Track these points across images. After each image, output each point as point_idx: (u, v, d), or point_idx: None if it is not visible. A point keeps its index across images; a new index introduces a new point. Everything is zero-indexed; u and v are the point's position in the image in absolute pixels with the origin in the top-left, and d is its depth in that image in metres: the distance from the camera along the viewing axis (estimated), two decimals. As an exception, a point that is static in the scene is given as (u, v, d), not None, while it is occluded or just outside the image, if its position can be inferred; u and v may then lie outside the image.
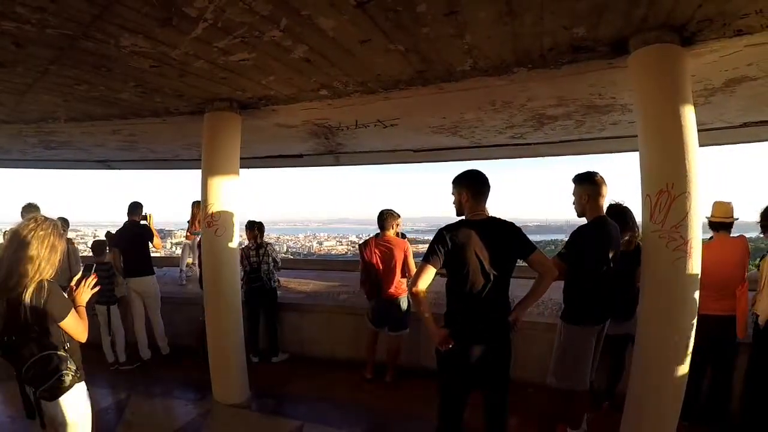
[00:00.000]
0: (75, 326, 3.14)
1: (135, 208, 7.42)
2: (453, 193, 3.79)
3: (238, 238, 5.96)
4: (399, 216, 6.44)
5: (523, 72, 4.48)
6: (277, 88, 5.10)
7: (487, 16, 3.45)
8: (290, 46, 3.93)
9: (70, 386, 3.14)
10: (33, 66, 4.37)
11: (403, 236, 6.72)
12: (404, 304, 6.21)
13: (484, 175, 3.69)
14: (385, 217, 6.26)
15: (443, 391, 3.75)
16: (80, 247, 11.12)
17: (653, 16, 3.54)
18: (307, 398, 6.01)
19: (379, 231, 6.37)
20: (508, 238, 3.56)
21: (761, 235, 4.95)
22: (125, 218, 7.41)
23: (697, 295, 3.83)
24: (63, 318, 3.05)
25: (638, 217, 4.28)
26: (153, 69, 4.43)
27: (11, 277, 2.95)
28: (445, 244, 3.48)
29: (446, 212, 3.92)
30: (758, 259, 5.15)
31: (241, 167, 5.96)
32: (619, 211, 4.90)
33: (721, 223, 5.03)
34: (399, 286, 6.15)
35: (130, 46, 3.86)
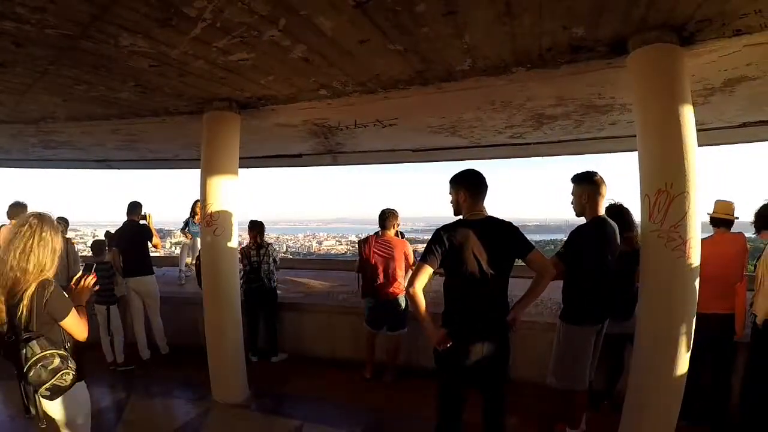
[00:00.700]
0: (75, 326, 3.14)
1: (134, 207, 7.41)
2: (450, 193, 3.79)
3: (237, 238, 5.95)
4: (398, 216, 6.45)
5: (522, 72, 4.49)
6: (276, 88, 5.11)
7: (486, 17, 3.46)
8: (289, 46, 3.94)
9: (71, 386, 3.14)
10: (32, 66, 4.38)
11: (402, 235, 6.72)
12: (402, 304, 6.21)
13: (481, 175, 3.69)
14: (387, 216, 6.27)
15: (442, 390, 3.75)
16: (79, 246, 11.12)
17: (652, 16, 3.55)
18: (306, 398, 6.01)
19: (379, 230, 6.37)
20: (506, 238, 3.56)
21: (756, 235, 4.97)
22: (125, 218, 7.40)
23: (696, 294, 3.84)
24: (63, 318, 3.05)
25: (637, 217, 4.29)
26: (152, 69, 4.43)
27: (12, 277, 2.96)
28: (443, 244, 3.48)
29: (445, 212, 3.92)
30: (756, 259, 5.16)
31: (240, 167, 5.96)
32: (617, 211, 4.91)
33: (721, 219, 5.06)
34: (398, 286, 6.15)
35: (130, 46, 3.86)
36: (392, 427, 5.38)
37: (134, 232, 7.30)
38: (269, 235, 7.50)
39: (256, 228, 7.41)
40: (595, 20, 3.57)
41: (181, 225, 9.64)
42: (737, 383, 4.97)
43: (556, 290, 4.60)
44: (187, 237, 9.51)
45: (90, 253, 7.45)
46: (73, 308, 3.15)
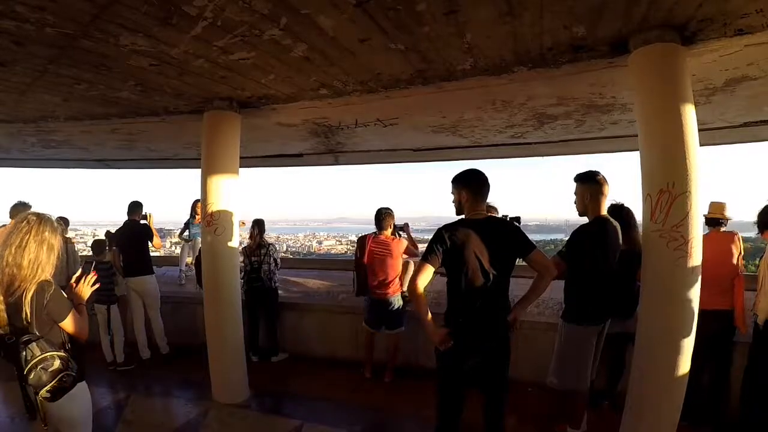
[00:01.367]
0: (75, 325, 3.14)
1: (135, 207, 7.43)
2: (452, 193, 3.79)
3: (238, 238, 5.96)
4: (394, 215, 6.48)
5: (523, 71, 4.48)
6: (277, 87, 5.10)
7: (487, 16, 3.45)
8: (290, 44, 3.93)
9: (71, 387, 3.14)
10: (32, 65, 4.37)
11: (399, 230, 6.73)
12: (397, 303, 6.24)
13: (483, 175, 3.69)
14: (383, 216, 6.29)
15: (442, 390, 3.75)
16: (80, 246, 11.11)
17: (653, 16, 3.54)
18: (306, 398, 6.01)
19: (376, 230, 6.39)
20: (507, 238, 3.56)
21: (759, 235, 4.98)
22: (125, 218, 7.41)
23: (697, 294, 3.83)
24: (63, 318, 3.05)
25: (639, 217, 4.29)
26: (152, 68, 4.43)
27: (11, 278, 2.95)
28: (444, 244, 3.48)
29: (446, 212, 3.91)
30: (758, 259, 5.18)
31: (240, 166, 5.96)
32: (619, 210, 4.92)
33: (715, 219, 5.17)
34: (393, 286, 6.19)
35: (130, 44, 3.86)
36: (392, 427, 5.40)
37: (135, 232, 7.32)
38: (269, 235, 7.50)
39: (255, 227, 7.47)
40: (596, 19, 3.57)
41: (182, 227, 9.63)
42: (737, 383, 4.97)
43: (557, 290, 4.60)
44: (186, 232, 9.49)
45: (90, 253, 7.45)
46: (73, 308, 3.15)
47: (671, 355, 3.85)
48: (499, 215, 5.45)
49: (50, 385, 3.03)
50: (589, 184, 4.39)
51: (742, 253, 5.14)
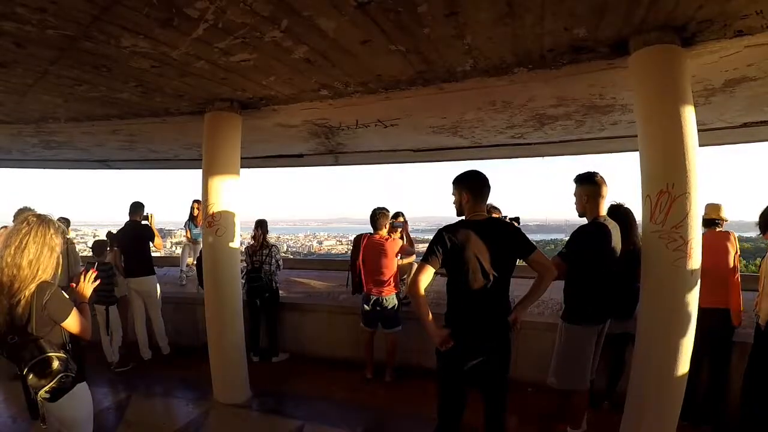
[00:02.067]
0: (77, 325, 3.14)
1: (136, 208, 7.45)
2: (453, 194, 3.80)
3: (239, 238, 5.97)
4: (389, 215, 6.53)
5: (524, 72, 4.49)
6: (278, 89, 5.11)
7: (488, 17, 3.46)
8: (291, 46, 3.95)
9: (72, 387, 3.15)
10: (33, 66, 4.38)
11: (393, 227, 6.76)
12: (392, 303, 6.26)
13: (484, 176, 3.69)
14: (378, 216, 6.32)
15: (443, 390, 3.75)
16: (80, 246, 11.13)
17: (653, 17, 3.55)
18: (307, 398, 6.02)
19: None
20: (507, 239, 3.57)
21: (761, 235, 5.01)
22: (126, 218, 7.44)
23: (697, 295, 3.84)
24: (64, 318, 3.06)
25: (638, 217, 4.29)
26: (153, 69, 4.44)
27: (11, 279, 2.95)
28: (445, 245, 3.49)
29: (447, 212, 3.92)
30: (759, 259, 5.20)
31: (241, 167, 5.98)
32: (619, 211, 4.94)
33: (711, 220, 5.30)
34: (388, 285, 6.22)
35: (131, 46, 3.87)
36: (393, 427, 5.40)
37: (136, 232, 7.35)
38: (269, 235, 7.54)
39: (258, 227, 7.51)
40: (597, 21, 3.57)
41: (183, 228, 9.67)
42: (737, 383, 4.98)
43: (557, 290, 4.61)
44: (188, 234, 9.51)
45: (91, 254, 7.46)
46: (75, 308, 3.15)
47: (671, 355, 3.86)
48: (502, 216, 5.47)
49: (49, 385, 3.04)
50: (588, 185, 4.40)
51: (738, 251, 5.18)
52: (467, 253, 3.46)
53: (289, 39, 3.80)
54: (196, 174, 5.94)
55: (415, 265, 6.11)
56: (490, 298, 3.53)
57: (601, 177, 4.38)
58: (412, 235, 6.86)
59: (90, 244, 8.00)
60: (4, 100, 5.53)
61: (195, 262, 8.86)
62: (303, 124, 6.69)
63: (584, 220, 4.44)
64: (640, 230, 4.54)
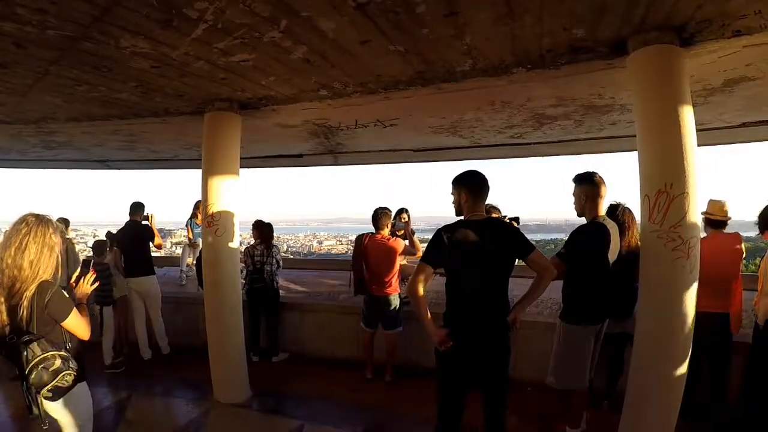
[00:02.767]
0: (77, 325, 3.16)
1: (137, 208, 7.48)
2: (452, 194, 3.81)
3: (239, 238, 5.98)
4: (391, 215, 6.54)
5: (523, 72, 4.50)
6: (277, 89, 5.13)
7: (487, 18, 3.47)
8: (290, 47, 3.96)
9: (72, 386, 3.16)
10: (34, 67, 4.39)
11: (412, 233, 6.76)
12: (395, 303, 6.26)
13: (483, 176, 3.70)
14: (380, 216, 6.31)
15: (442, 390, 3.76)
16: (80, 247, 11.15)
17: (652, 17, 3.56)
18: (307, 398, 6.04)
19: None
20: (506, 239, 3.57)
21: (760, 235, 4.99)
22: (126, 218, 7.47)
23: (695, 295, 3.85)
24: (65, 318, 3.07)
25: (638, 217, 4.31)
26: (153, 69, 4.45)
27: (11, 280, 2.97)
28: (443, 245, 3.50)
29: (447, 212, 3.93)
30: (758, 259, 5.19)
31: (241, 167, 5.99)
32: (617, 211, 4.95)
33: (716, 220, 5.09)
34: (390, 285, 6.22)
35: (131, 47, 3.88)
36: (392, 427, 5.40)
37: (136, 232, 7.37)
38: (270, 235, 7.59)
39: (262, 228, 7.58)
40: (596, 21, 3.59)
41: (184, 228, 9.67)
42: (736, 383, 5.00)
43: (556, 290, 4.62)
44: (189, 233, 9.51)
45: (91, 253, 7.48)
46: (74, 308, 3.17)
47: (669, 355, 3.88)
48: (501, 216, 5.48)
49: (51, 384, 3.05)
50: (587, 185, 4.41)
51: (744, 254, 5.10)
52: (466, 253, 3.48)
53: (288, 39, 3.81)
54: (197, 174, 5.95)
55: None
56: (488, 298, 3.54)
57: (600, 177, 4.39)
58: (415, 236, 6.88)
59: (90, 244, 8.02)
60: (4, 100, 5.54)
61: (195, 262, 8.88)
62: (302, 124, 6.71)
63: (583, 220, 4.46)
64: (638, 230, 4.55)
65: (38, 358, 3.00)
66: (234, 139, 5.84)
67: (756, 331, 4.76)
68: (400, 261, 6.41)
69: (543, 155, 8.61)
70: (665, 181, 3.73)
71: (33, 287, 2.96)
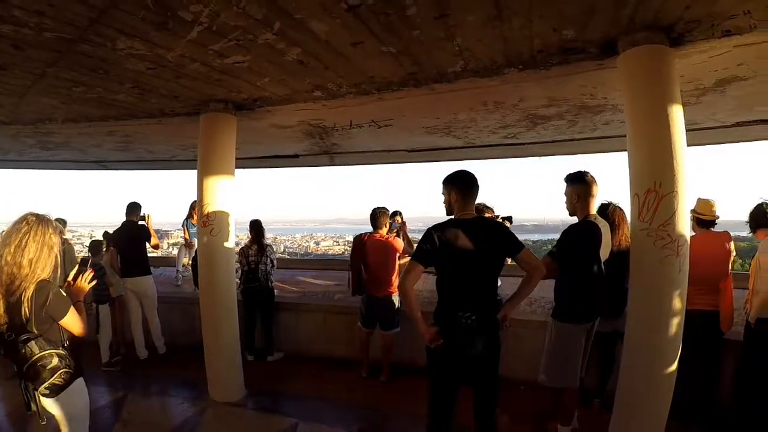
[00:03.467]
0: (74, 323, 3.21)
1: (133, 208, 7.51)
2: (443, 193, 3.86)
3: (234, 238, 6.02)
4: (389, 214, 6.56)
5: (514, 73, 4.56)
6: (272, 90, 5.18)
7: (477, 20, 3.53)
8: (284, 48, 4.02)
9: (69, 384, 3.22)
10: (31, 68, 4.45)
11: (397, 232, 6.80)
12: (392, 303, 6.31)
13: (473, 176, 3.76)
14: (378, 216, 6.34)
15: (433, 387, 3.81)
16: (77, 247, 11.18)
17: (641, 17, 3.61)
18: (302, 397, 6.09)
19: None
20: (496, 237, 3.63)
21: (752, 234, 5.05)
22: (123, 218, 7.49)
23: (685, 293, 3.90)
24: (63, 316, 3.12)
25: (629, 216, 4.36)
26: (149, 71, 4.51)
27: (11, 278, 3.02)
28: (434, 243, 3.56)
29: (443, 211, 3.98)
30: (750, 258, 5.24)
31: (236, 167, 6.04)
32: (607, 210, 5.02)
33: (705, 219, 5.19)
34: (390, 285, 6.25)
35: (127, 48, 3.94)
36: (387, 426, 5.45)
37: (133, 232, 7.40)
38: (266, 236, 7.60)
39: (254, 228, 7.55)
40: (585, 22, 3.64)
41: (181, 228, 9.69)
42: (728, 381, 5.07)
43: (548, 289, 4.67)
44: (185, 234, 9.54)
45: (87, 254, 7.53)
46: (72, 306, 3.22)
47: (659, 352, 3.93)
48: (494, 216, 5.55)
49: (49, 381, 3.11)
50: (578, 185, 4.46)
51: (733, 252, 5.18)
52: (456, 252, 3.53)
53: (282, 41, 3.87)
54: (193, 174, 5.98)
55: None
56: (478, 296, 3.59)
57: (592, 176, 4.45)
58: (410, 236, 6.91)
59: (86, 244, 8.06)
60: (3, 101, 5.60)
61: (191, 263, 8.93)
62: (298, 125, 6.76)
63: (576, 219, 4.52)
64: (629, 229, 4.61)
65: (36, 356, 3.05)
66: (229, 139, 5.88)
67: (747, 329, 4.82)
68: (400, 261, 6.44)
69: (538, 155, 8.66)
70: (654, 180, 3.78)
71: (32, 286, 3.01)
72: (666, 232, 3.76)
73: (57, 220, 3.63)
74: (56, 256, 3.25)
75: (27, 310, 2.99)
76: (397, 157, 9.06)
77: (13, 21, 3.43)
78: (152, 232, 7.60)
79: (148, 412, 5.78)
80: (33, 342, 3.05)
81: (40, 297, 3.02)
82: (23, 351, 3.04)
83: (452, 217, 3.78)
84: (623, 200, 5.08)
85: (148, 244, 7.54)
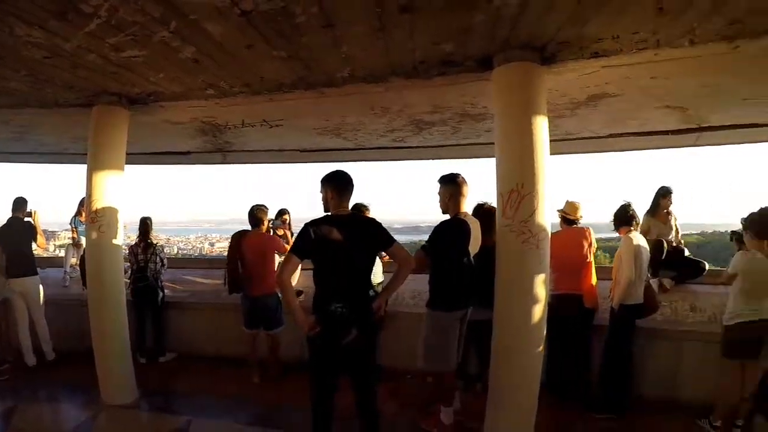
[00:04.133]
0: None
1: (20, 204, 7.25)
2: (321, 191, 4.15)
3: (123, 236, 5.99)
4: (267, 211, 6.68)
5: (399, 81, 4.93)
6: (166, 86, 5.29)
7: (361, 31, 3.86)
8: (179, 46, 4.18)
9: None
10: None
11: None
12: (273, 302, 6.53)
13: (348, 175, 4.09)
14: (256, 213, 6.47)
15: (313, 375, 4.08)
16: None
17: (515, 37, 4.07)
18: (194, 395, 6.26)
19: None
20: (369, 233, 3.97)
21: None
22: (8, 214, 7.24)
23: (546, 281, 4.46)
24: None
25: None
26: (46, 60, 4.51)
27: None
28: (309, 237, 3.83)
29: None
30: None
31: (127, 163, 6.04)
32: (482, 209, 5.57)
33: (569, 219, 6.07)
34: (270, 283, 6.41)
35: (25, 36, 3.95)
36: (276, 418, 5.59)
37: (19, 229, 7.17)
38: (158, 237, 7.59)
39: (142, 225, 7.55)
40: (464, 39, 4.06)
41: (69, 226, 9.47)
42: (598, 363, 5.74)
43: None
44: (73, 233, 9.35)
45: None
46: None
47: (526, 336, 4.45)
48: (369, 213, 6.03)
49: None
50: (450, 185, 4.94)
51: (594, 245, 5.95)
52: (331, 246, 3.82)
53: (177, 39, 4.03)
54: (83, 170, 5.88)
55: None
56: (353, 287, 3.92)
57: (463, 178, 4.94)
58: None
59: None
60: None
61: (79, 262, 8.70)
62: (190, 122, 6.85)
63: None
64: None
65: None
66: (121, 133, 5.90)
67: (611, 314, 5.58)
68: (278, 259, 6.59)
69: (426, 159, 9.05)
70: (517, 181, 4.29)
71: None
72: (527, 227, 4.26)
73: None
74: None
75: None
76: (290, 157, 9.24)
77: None
78: (39, 230, 7.41)
79: (40, 419, 5.70)
80: None
81: None
82: None
83: (329, 213, 4.07)
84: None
85: (34, 243, 7.32)
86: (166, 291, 7.83)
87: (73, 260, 9.39)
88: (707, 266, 6.82)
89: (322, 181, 4.16)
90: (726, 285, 5.14)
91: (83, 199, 8.36)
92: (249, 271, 6.45)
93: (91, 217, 5.76)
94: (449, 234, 4.87)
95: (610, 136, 7.43)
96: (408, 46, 4.20)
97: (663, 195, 6.88)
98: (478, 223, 5.12)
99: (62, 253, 10.39)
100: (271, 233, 6.90)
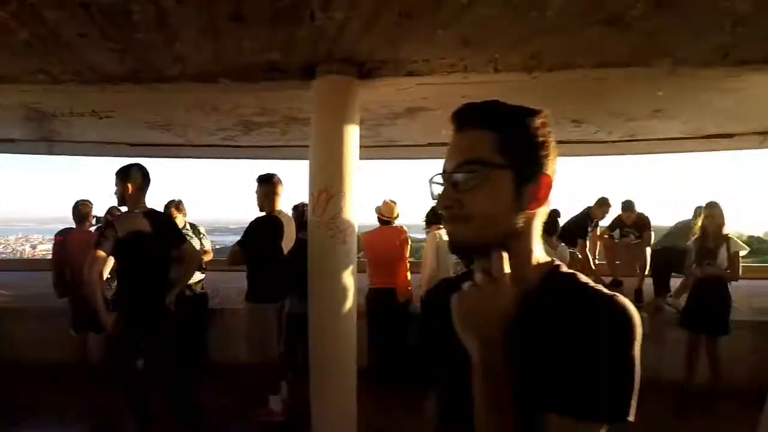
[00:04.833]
0: None
1: None
2: (116, 185, 4.38)
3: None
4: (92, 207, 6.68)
5: (228, 83, 5.26)
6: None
7: (193, 33, 4.19)
8: (15, 28, 4.18)
9: None
10: None
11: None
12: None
13: (146, 170, 4.40)
14: (79, 208, 6.56)
15: (122, 373, 4.31)
16: None
17: (336, 52, 4.57)
18: (24, 405, 6.11)
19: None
20: (164, 228, 4.32)
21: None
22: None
23: (354, 273, 5.01)
24: None
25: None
26: None
27: None
28: (114, 233, 4.07)
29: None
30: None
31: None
32: (297, 209, 6.29)
33: (384, 219, 6.76)
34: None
35: None
36: (106, 417, 5.75)
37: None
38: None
39: None
40: (288, 49, 4.50)
41: None
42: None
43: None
44: None
45: None
46: None
47: (339, 324, 4.94)
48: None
49: None
50: (266, 185, 5.51)
51: (409, 243, 6.74)
52: (131, 241, 4.09)
53: (14, 21, 4.04)
54: None
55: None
56: (152, 282, 4.23)
57: (278, 178, 5.52)
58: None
59: None
60: None
61: None
62: (16, 107, 6.73)
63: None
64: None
65: None
66: None
67: (421, 302, 6.22)
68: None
69: (258, 158, 9.68)
70: (326, 182, 4.82)
71: None
72: (335, 224, 4.79)
73: None
74: None
75: None
76: (119, 150, 9.18)
77: None
78: None
79: None
80: None
81: None
82: None
83: (126, 208, 4.37)
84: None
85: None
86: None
87: None
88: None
89: (117, 175, 4.40)
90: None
91: None
92: (76, 271, 6.12)
93: None
94: (262, 230, 5.35)
95: (429, 144, 8.37)
96: (236, 51, 4.58)
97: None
98: (292, 221, 5.72)
99: None
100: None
